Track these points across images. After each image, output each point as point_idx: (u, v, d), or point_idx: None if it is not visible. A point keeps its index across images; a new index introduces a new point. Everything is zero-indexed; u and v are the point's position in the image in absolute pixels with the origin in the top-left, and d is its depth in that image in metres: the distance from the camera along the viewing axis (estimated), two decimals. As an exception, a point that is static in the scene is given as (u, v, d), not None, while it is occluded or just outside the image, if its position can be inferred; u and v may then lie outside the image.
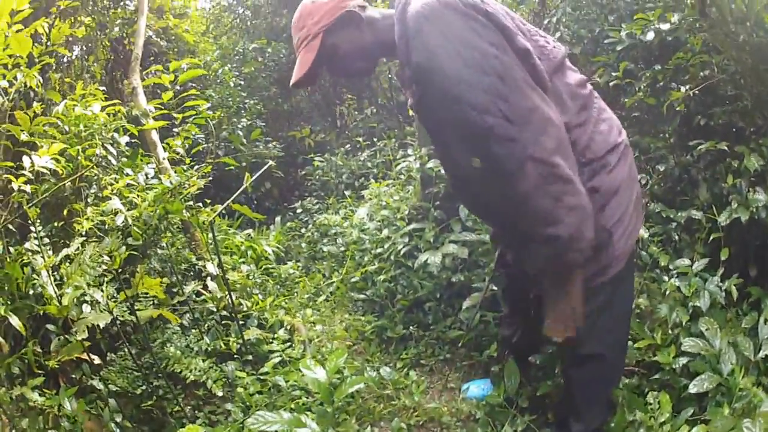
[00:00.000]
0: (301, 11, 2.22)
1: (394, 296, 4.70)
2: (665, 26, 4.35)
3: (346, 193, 7.81)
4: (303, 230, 7.55)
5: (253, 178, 4.07)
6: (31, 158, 2.90)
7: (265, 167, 4.49)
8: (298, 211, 8.19)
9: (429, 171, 4.71)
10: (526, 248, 2.08)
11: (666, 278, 3.69)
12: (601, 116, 2.26)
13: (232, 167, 5.40)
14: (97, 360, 3.01)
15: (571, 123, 2.11)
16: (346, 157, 8.73)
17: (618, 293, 2.36)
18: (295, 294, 5.66)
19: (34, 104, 3.26)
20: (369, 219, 5.74)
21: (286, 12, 10.50)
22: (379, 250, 5.06)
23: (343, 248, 6.01)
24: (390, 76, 8.62)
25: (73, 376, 2.99)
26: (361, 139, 9.00)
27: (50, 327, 2.87)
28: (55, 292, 2.67)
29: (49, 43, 3.59)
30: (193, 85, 7.81)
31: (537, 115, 1.89)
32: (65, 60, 4.32)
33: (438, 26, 1.89)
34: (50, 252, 2.87)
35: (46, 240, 2.88)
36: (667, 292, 3.54)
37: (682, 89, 3.97)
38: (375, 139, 8.77)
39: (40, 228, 2.87)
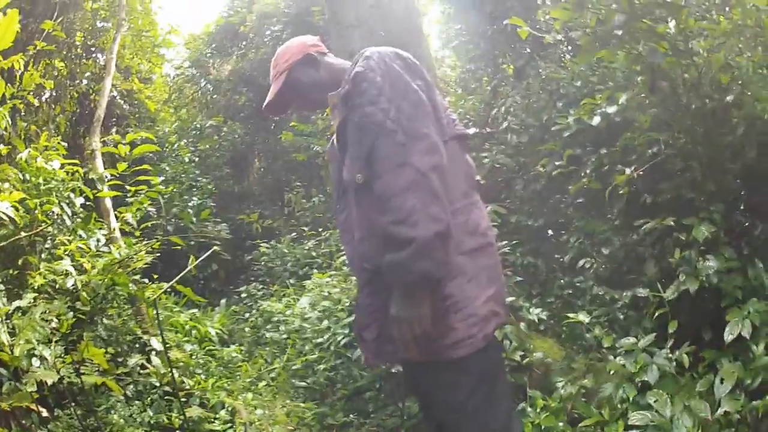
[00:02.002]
0: (277, 53, 2.69)
1: (335, 385, 4.71)
2: (612, 109, 4.48)
3: (291, 281, 7.80)
4: (247, 315, 7.49)
5: (198, 261, 4.10)
6: (-8, 201, 2.86)
7: (210, 251, 4.53)
8: (243, 295, 8.12)
9: None
10: (383, 255, 2.11)
11: (612, 357, 3.72)
12: (479, 206, 2.41)
13: (180, 246, 5.39)
14: (45, 412, 2.90)
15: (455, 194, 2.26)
16: (292, 245, 8.76)
17: (471, 381, 2.25)
18: (238, 377, 5.56)
19: (0, 146, 3.23)
20: (311, 308, 5.77)
21: (245, 90, 10.76)
22: (319, 340, 5.10)
23: (285, 336, 5.99)
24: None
25: (24, 422, 2.87)
26: (306, 228, 9.06)
27: (2, 371, 2.76)
28: (8, 341, 2.59)
29: (20, 87, 3.59)
30: (150, 156, 7.81)
31: (429, 141, 2.10)
32: (33, 105, 4.32)
33: (383, 56, 2.24)
34: (5, 300, 2.80)
35: (1, 287, 2.81)
36: (612, 371, 3.57)
37: (627, 171, 4.11)
38: (320, 229, 8.85)
39: (-4, 274, 2.80)
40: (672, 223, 3.80)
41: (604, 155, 4.58)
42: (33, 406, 2.78)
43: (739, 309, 3.28)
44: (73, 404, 3.12)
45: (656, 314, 3.76)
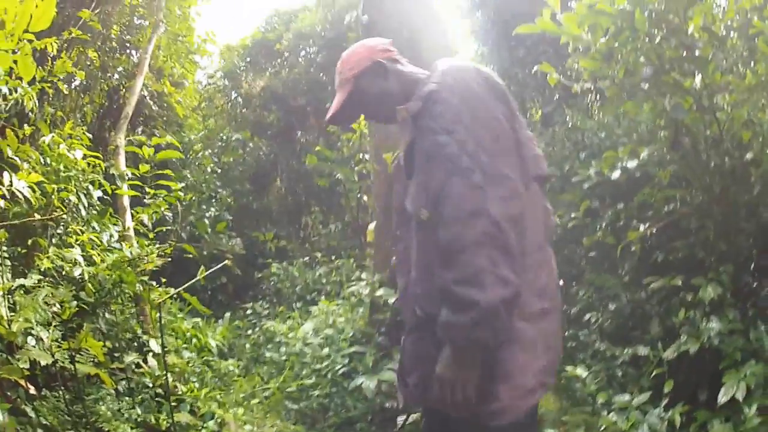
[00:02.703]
0: (343, 58, 2.43)
1: (327, 412, 4.70)
2: (633, 164, 4.48)
3: (297, 304, 7.84)
4: (250, 331, 7.54)
5: (208, 272, 4.12)
6: (11, 177, 2.92)
7: (221, 264, 4.57)
8: (248, 312, 8.19)
9: (378, 298, 4.86)
10: (440, 309, 1.90)
11: (605, 413, 3.69)
12: (551, 263, 2.18)
13: (192, 255, 5.44)
14: (32, 390, 2.94)
15: (530, 246, 2.05)
16: (303, 269, 8.80)
17: None
18: (232, 391, 5.58)
19: (25, 127, 3.31)
20: (314, 334, 5.79)
21: (275, 108, 10.85)
22: (318, 366, 5.12)
23: (284, 357, 6.02)
24: (359, 195, 8.84)
25: (9, 394, 2.90)
26: (320, 254, 9.08)
27: (-5, 341, 2.80)
28: (6, 315, 2.63)
29: (51, 71, 3.67)
30: (173, 160, 7.88)
31: (510, 185, 1.88)
32: (61, 93, 4.40)
33: (464, 74, 2.06)
34: (9, 275, 2.84)
35: (8, 262, 2.86)
36: (603, 427, 3.53)
37: (642, 227, 4.12)
38: (333, 257, 8.86)
39: (4, 248, 2.86)
40: (680, 282, 3.80)
41: (621, 210, 4.60)
42: (22, 382, 2.80)
43: (737, 371, 3.26)
44: (62, 389, 3.14)
45: (654, 373, 3.75)
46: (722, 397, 3.18)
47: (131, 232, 4.98)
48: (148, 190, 5.05)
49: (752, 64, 3.71)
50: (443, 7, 6.08)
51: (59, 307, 3.19)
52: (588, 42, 3.77)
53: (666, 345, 3.74)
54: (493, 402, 1.95)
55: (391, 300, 4.73)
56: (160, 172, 5.00)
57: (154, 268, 4.17)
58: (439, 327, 1.90)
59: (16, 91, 3.11)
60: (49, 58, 3.78)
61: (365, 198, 8.56)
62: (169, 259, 4.47)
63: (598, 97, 6.01)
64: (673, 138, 3.95)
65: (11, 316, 2.72)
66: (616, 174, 4.58)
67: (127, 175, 4.98)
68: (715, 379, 3.38)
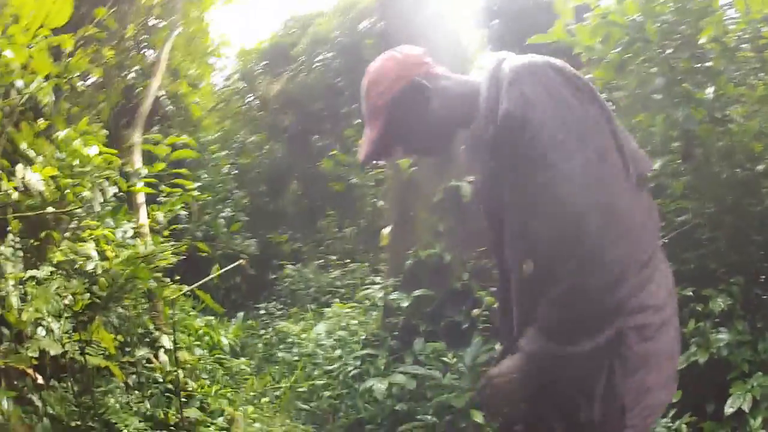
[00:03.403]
0: (368, 78, 1.98)
1: (337, 413, 4.73)
2: (646, 174, 4.46)
3: (311, 306, 7.87)
4: (262, 331, 7.59)
5: (221, 271, 4.16)
6: (25, 170, 2.98)
7: (235, 264, 4.60)
8: (261, 312, 8.26)
9: (392, 302, 4.87)
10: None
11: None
12: (660, 266, 1.87)
13: (206, 253, 5.50)
14: (40, 380, 2.98)
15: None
16: (317, 271, 8.85)
17: None
18: (242, 389, 5.63)
19: (40, 120, 3.37)
20: (326, 336, 5.84)
21: (290, 112, 10.91)
22: (329, 367, 5.15)
23: (296, 357, 6.06)
24: (374, 200, 8.87)
25: (16, 382, 2.95)
26: (334, 257, 9.13)
27: (5, 330, 2.85)
28: (18, 305, 2.68)
29: (67, 67, 3.73)
30: (190, 161, 7.94)
31: (621, 202, 1.59)
32: (76, 90, 4.46)
33: (540, 79, 1.68)
34: (21, 266, 2.90)
35: (20, 253, 2.92)
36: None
37: (655, 238, 4.10)
38: (347, 260, 8.90)
39: (18, 239, 2.91)
40: (691, 293, 3.78)
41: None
42: (29, 371, 2.84)
43: (744, 382, 3.26)
44: (71, 380, 3.18)
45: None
46: (728, 408, 3.18)
47: (146, 229, 5.04)
48: (163, 188, 5.11)
49: (763, 75, 3.71)
50: (459, 15, 6.05)
51: (71, 298, 3.22)
52: (601, 52, 3.78)
53: (677, 356, 3.73)
54: (620, 425, 1.75)
55: (404, 304, 4.76)
56: (176, 170, 5.06)
57: (168, 266, 4.21)
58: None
59: (31, 86, 3.17)
60: (64, 54, 3.84)
61: (380, 203, 8.61)
62: (183, 257, 4.52)
63: (612, 107, 5.98)
64: (686, 149, 3.92)
65: (22, 306, 2.76)
66: (630, 185, 4.55)
67: (142, 172, 5.04)
68: (722, 390, 3.37)
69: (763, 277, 3.83)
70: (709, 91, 3.58)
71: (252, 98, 11.77)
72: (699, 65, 3.57)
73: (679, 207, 4.20)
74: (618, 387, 1.71)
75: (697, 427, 3.42)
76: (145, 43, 7.41)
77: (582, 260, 1.57)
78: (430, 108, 1.89)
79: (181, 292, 4.20)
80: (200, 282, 4.05)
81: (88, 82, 5.49)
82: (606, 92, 4.29)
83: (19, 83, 3.13)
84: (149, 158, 5.50)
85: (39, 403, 2.90)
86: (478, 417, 3.74)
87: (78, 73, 3.96)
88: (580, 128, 1.61)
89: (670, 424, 3.42)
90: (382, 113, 1.90)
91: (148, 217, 5.08)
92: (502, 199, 1.80)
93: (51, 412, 3.02)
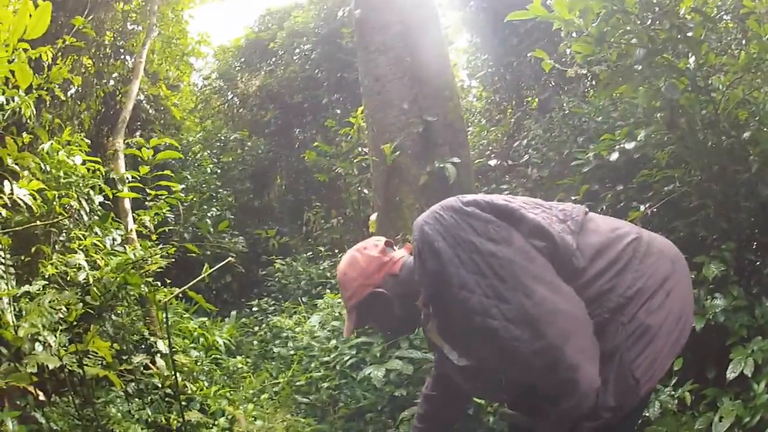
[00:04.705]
0: (339, 280, 2.34)
1: (337, 404, 4.71)
2: (630, 145, 4.49)
3: (303, 299, 7.86)
4: (256, 328, 7.58)
5: (212, 270, 4.13)
6: (12, 185, 2.94)
7: (224, 262, 4.57)
8: (254, 309, 8.21)
9: None
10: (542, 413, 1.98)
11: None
12: (645, 257, 2.11)
13: (195, 254, 5.47)
14: (42, 396, 2.96)
15: (599, 276, 2.03)
16: (307, 264, 8.83)
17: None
18: (241, 388, 5.62)
19: (24, 134, 3.33)
20: (321, 327, 5.79)
21: (272, 107, 10.87)
22: (326, 358, 5.11)
23: (292, 351, 6.02)
24: (359, 188, 8.85)
25: (18, 402, 2.92)
26: (323, 248, 9.11)
27: (3, 350, 2.82)
28: (13, 322, 2.65)
29: (47, 78, 3.69)
30: (172, 162, 7.93)
31: (543, 309, 1.86)
32: (59, 99, 4.42)
33: (439, 230, 1.97)
34: (14, 282, 2.86)
35: (12, 270, 2.89)
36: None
37: (642, 207, 4.12)
38: (336, 250, 8.89)
39: (8, 256, 2.88)
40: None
41: (621, 191, 4.59)
42: (30, 388, 2.81)
43: (744, 347, 3.28)
44: (71, 393, 3.16)
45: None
46: (730, 374, 3.19)
47: (134, 235, 5.00)
48: (149, 191, 5.08)
49: (744, 43, 3.71)
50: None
51: (65, 310, 3.20)
52: (580, 26, 3.75)
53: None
54: (636, 394, 1.96)
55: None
56: (160, 173, 5.03)
57: (159, 270, 4.19)
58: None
59: (13, 100, 3.13)
60: (44, 66, 3.80)
61: (365, 191, 8.60)
62: (173, 260, 4.50)
63: (593, 82, 6.01)
64: (669, 119, 3.93)
65: (17, 323, 2.73)
66: (614, 156, 4.60)
67: (127, 178, 5.00)
68: (722, 357, 3.39)
69: (755, 243, 3.84)
70: (691, 60, 3.59)
71: (232, 96, 11.70)
72: (680, 36, 3.56)
73: (666, 176, 4.20)
74: (632, 363, 1.93)
75: (700, 394, 3.43)
76: (124, 49, 7.35)
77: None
78: (391, 307, 2.23)
79: (173, 295, 4.18)
80: (191, 283, 4.02)
81: (69, 92, 5.43)
82: (586, 66, 4.29)
83: (1, 99, 3.09)
84: (133, 164, 5.46)
85: (42, 420, 2.88)
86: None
87: (59, 83, 3.91)
88: (478, 262, 1.90)
89: (674, 392, 3.43)
90: (353, 311, 2.26)
91: (135, 223, 5.04)
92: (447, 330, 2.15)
93: (54, 428, 3.00)
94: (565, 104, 6.16)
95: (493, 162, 7.39)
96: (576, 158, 5.13)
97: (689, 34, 3.52)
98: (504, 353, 1.89)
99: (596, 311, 1.97)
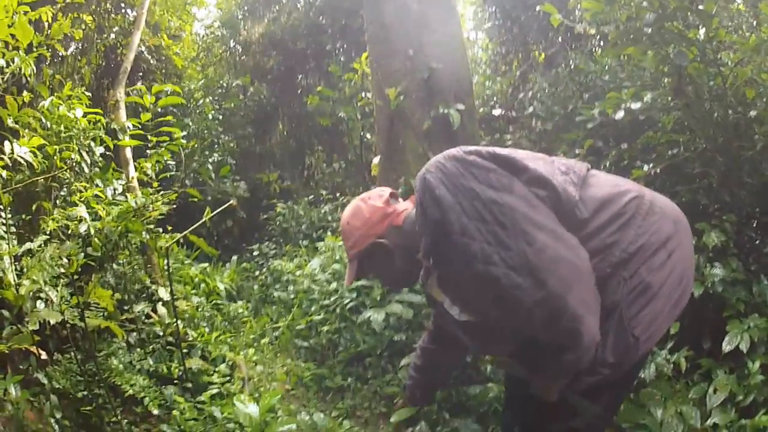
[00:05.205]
0: (342, 228, 2.43)
1: (336, 348, 4.75)
2: (636, 105, 4.44)
3: (304, 242, 7.86)
4: (257, 273, 7.60)
5: (213, 213, 4.12)
6: (12, 145, 2.93)
7: (226, 205, 4.56)
8: (255, 253, 8.24)
9: None
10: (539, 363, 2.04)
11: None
12: (648, 215, 2.10)
13: (197, 199, 5.46)
14: (44, 355, 3.00)
15: (602, 229, 2.03)
16: (308, 207, 8.81)
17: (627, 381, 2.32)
18: (242, 333, 5.67)
19: (24, 93, 3.29)
20: (321, 270, 5.79)
21: (274, 53, 10.70)
22: (326, 302, 5.13)
23: (293, 295, 6.05)
24: (362, 133, 8.80)
25: (21, 366, 2.97)
26: (324, 192, 9.11)
27: (5, 313, 2.84)
28: (15, 281, 2.67)
29: (48, 35, 3.63)
30: (173, 110, 7.87)
31: (544, 256, 1.85)
32: (59, 56, 4.36)
33: (441, 178, 1.98)
34: (15, 241, 2.87)
35: (13, 229, 2.89)
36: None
37: (645, 167, 4.10)
38: (338, 194, 8.88)
39: (9, 216, 2.88)
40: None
41: (625, 150, 4.56)
42: (33, 349, 2.83)
43: (740, 322, 3.30)
44: (73, 349, 3.19)
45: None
46: (726, 346, 3.23)
47: (135, 183, 4.99)
48: (150, 138, 5.04)
49: (755, 25, 3.65)
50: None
51: (66, 262, 3.20)
52: (591, -17, 3.69)
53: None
54: (635, 352, 2.00)
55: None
56: (162, 119, 4.98)
57: (160, 216, 4.19)
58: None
59: (13, 62, 3.09)
60: (44, 26, 3.72)
61: (368, 135, 8.55)
62: (174, 206, 4.49)
63: (602, 41, 5.92)
64: (677, 85, 3.88)
65: (18, 281, 2.74)
66: (620, 114, 4.54)
67: (128, 126, 4.96)
68: (718, 328, 3.41)
69: (755, 221, 3.83)
70: (701, 32, 3.52)
71: (234, 44, 11.49)
72: (692, 5, 3.48)
73: (671, 140, 4.17)
74: (633, 320, 1.96)
75: (695, 362, 3.47)
76: (124, 3, 7.21)
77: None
78: (392, 259, 2.32)
79: (174, 240, 4.18)
80: (192, 227, 4.01)
81: (70, 50, 5.35)
82: (595, 26, 4.22)
83: (1, 62, 3.04)
84: (135, 113, 5.41)
85: (45, 381, 2.92)
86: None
87: (59, 39, 3.84)
88: (480, 209, 1.90)
89: (669, 357, 3.48)
90: (354, 260, 2.35)
91: (137, 171, 5.02)
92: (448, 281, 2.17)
93: (57, 386, 3.05)
94: (572, 61, 6.08)
95: (497, 112, 7.34)
96: (581, 114, 5.09)
97: (701, 6, 3.43)
98: (506, 304, 1.90)
99: (599, 265, 1.97)
